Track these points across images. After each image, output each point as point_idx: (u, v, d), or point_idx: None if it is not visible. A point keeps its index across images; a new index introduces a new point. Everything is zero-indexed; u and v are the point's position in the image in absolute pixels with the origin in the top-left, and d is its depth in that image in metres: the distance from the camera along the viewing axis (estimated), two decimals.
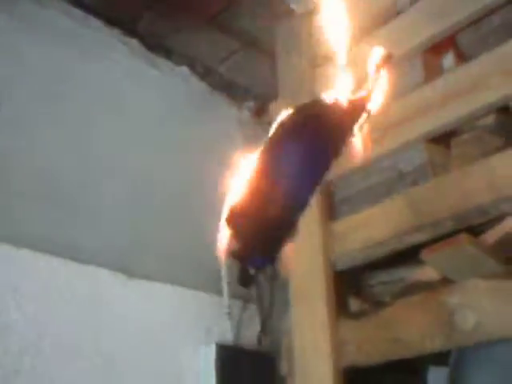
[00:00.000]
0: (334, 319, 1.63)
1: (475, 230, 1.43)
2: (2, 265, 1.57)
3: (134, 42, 2.09)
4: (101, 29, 2.03)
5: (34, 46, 1.86)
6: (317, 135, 0.99)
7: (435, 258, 1.43)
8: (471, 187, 1.43)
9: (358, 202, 1.72)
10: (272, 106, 2.00)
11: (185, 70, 2.17)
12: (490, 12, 1.52)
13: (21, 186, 1.69)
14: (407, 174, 1.61)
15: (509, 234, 1.35)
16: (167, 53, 2.15)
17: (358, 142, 1.08)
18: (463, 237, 1.37)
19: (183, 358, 1.83)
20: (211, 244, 1.99)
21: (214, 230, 1.99)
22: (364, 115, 1.03)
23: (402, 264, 1.69)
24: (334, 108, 1.00)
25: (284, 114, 0.99)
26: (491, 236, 1.38)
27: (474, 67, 1.49)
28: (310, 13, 1.89)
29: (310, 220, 1.68)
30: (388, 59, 1.05)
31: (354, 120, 1.03)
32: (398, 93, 1.53)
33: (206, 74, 2.21)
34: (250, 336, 1.96)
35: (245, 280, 0.98)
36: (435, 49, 1.62)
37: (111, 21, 2.06)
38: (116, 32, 2.06)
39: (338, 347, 1.60)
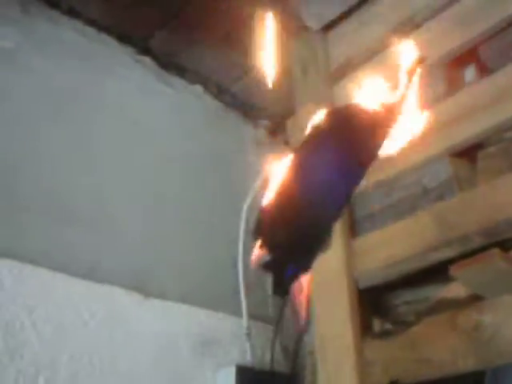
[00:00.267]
0: (358, 339, 1.58)
1: (505, 245, 1.39)
2: (18, 284, 1.53)
3: (147, 59, 2.07)
4: (114, 46, 2.02)
5: (48, 64, 1.84)
6: (351, 140, 0.97)
7: (465, 274, 1.39)
8: (500, 201, 1.40)
9: (380, 219, 1.69)
10: (288, 125, 1.98)
11: (198, 88, 2.15)
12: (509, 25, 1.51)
13: (33, 203, 1.67)
14: (432, 190, 1.58)
15: None
16: (180, 71, 2.13)
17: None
18: (495, 252, 1.34)
19: (201, 380, 1.78)
20: (228, 263, 1.98)
21: (230, 248, 1.98)
22: (398, 120, 1.00)
23: (427, 282, 1.65)
24: (368, 112, 0.97)
25: (317, 117, 0.96)
26: None
27: (499, 78, 1.47)
28: (326, 28, 1.88)
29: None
30: (421, 62, 1.03)
31: (389, 125, 1.00)
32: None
33: (219, 92, 2.18)
34: (270, 357, 1.91)
35: (279, 289, 0.94)
36: (457, 61, 1.60)
37: (124, 39, 2.04)
38: (129, 50, 2.05)
39: (363, 368, 1.55)
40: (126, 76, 2.02)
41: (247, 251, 2.00)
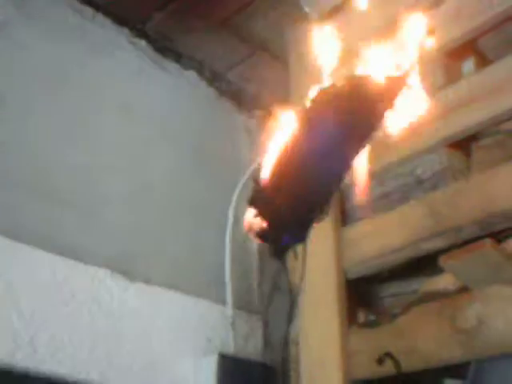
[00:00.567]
0: (345, 329, 1.56)
1: (497, 236, 1.38)
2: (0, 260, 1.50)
3: (143, 42, 2.05)
4: (109, 27, 1.99)
5: (43, 41, 1.82)
6: (352, 112, 0.95)
7: (456, 265, 1.38)
8: (493, 192, 1.39)
9: (372, 209, 1.67)
10: (281, 113, 1.95)
11: (193, 74, 2.12)
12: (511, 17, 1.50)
13: (23, 181, 1.64)
14: (425, 180, 1.56)
15: None
16: (176, 55, 2.10)
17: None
18: (487, 242, 1.32)
19: (183, 368, 1.75)
20: (215, 251, 1.95)
21: (218, 236, 1.95)
22: (402, 93, 0.98)
23: (415, 275, 1.63)
24: (371, 83, 0.95)
25: (319, 89, 0.94)
26: None
27: (498, 70, 1.46)
28: (325, 17, 1.86)
29: (321, 226, 1.62)
30: (431, 33, 1.01)
31: (392, 97, 0.98)
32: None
33: (214, 79, 2.16)
34: (253, 347, 1.88)
35: (276, 252, 0.92)
36: (456, 53, 1.59)
37: (120, 20, 2.01)
38: (125, 32, 2.02)
39: (348, 358, 1.53)
40: (120, 58, 1.99)
41: (236, 240, 1.98)
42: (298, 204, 0.93)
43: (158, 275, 1.80)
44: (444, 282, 1.50)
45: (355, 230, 1.64)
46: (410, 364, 1.43)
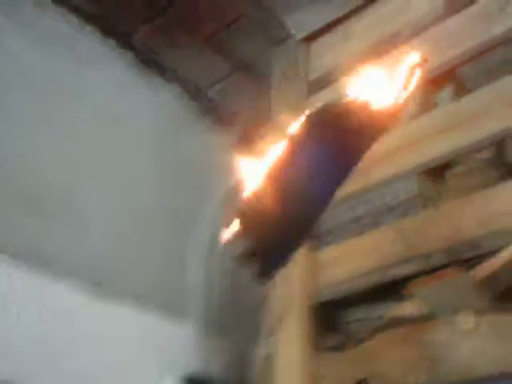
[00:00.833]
0: (311, 352, 1.54)
1: (465, 265, 1.38)
2: None
3: (129, 54, 2.05)
4: (96, 38, 1.99)
5: (29, 49, 1.81)
6: (342, 135, 0.94)
7: (424, 291, 1.37)
8: (462, 220, 1.39)
9: (343, 233, 1.66)
10: (262, 132, 1.96)
11: (176, 87, 2.12)
12: (492, 48, 1.51)
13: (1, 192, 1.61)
14: (396, 207, 1.56)
15: (502, 268, 1.30)
16: (160, 69, 2.11)
17: None
18: (454, 270, 1.32)
19: None
20: (181, 269, 1.92)
21: (189, 255, 1.93)
22: (394, 123, 0.98)
23: (381, 300, 1.62)
24: (364, 111, 0.95)
25: (311, 109, 0.94)
26: (482, 270, 1.33)
27: (474, 100, 1.47)
28: (309, 38, 1.87)
29: None
30: (423, 63, 1.01)
31: (383, 126, 0.98)
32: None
33: (196, 94, 2.16)
34: (217, 367, 1.85)
35: (263, 273, 0.91)
36: (434, 81, 1.59)
37: (107, 31, 2.02)
38: (111, 43, 2.02)
39: (314, 382, 1.51)
40: (106, 69, 1.99)
41: (203, 259, 1.96)
42: (286, 225, 0.92)
43: (127, 292, 1.77)
44: (410, 308, 1.49)
45: (326, 255, 1.63)
46: None
